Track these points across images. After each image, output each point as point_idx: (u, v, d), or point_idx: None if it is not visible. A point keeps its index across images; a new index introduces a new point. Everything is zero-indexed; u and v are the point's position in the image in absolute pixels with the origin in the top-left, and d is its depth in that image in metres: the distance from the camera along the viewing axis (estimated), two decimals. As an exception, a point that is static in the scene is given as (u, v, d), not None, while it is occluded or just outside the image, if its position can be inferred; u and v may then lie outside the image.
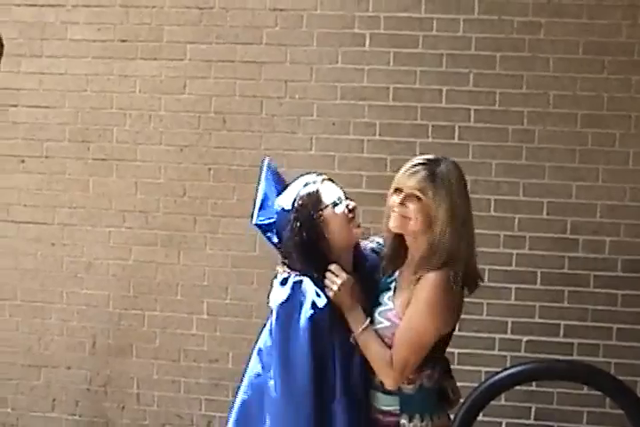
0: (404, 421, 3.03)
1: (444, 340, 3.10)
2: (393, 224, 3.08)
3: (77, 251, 5.20)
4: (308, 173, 3.33)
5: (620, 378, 4.51)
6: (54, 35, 5.20)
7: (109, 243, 5.18)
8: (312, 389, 3.03)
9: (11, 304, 5.27)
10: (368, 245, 3.35)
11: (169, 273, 5.13)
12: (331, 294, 3.08)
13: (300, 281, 3.12)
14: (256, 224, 3.35)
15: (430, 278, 2.96)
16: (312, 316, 3.05)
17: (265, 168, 3.43)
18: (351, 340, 3.08)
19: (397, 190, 3.07)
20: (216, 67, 5.08)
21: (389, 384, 3.03)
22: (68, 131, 5.21)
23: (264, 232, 3.35)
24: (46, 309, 5.24)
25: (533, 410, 4.84)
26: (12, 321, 5.28)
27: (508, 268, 4.86)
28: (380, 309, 3.12)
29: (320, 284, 3.12)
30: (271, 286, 3.24)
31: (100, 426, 5.21)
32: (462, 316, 4.71)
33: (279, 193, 3.32)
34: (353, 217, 3.17)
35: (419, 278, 3.00)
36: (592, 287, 4.82)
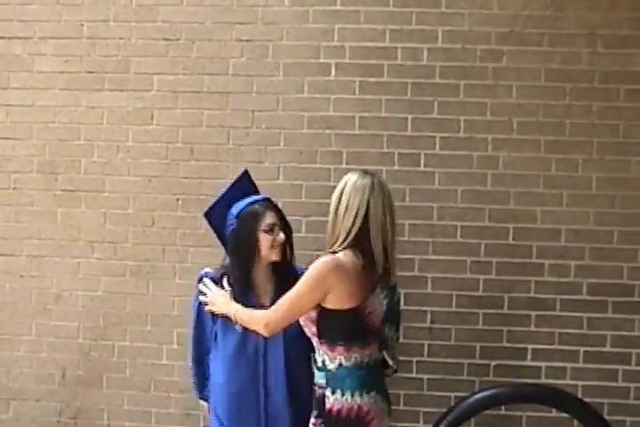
0: (327, 393, 3.74)
1: (352, 318, 3.69)
2: None
3: (46, 282, 5.19)
4: (265, 198, 4.24)
5: (588, 400, 4.55)
6: (21, 67, 5.22)
7: (78, 274, 5.17)
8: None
9: (-21, 337, 5.25)
10: None
11: (138, 303, 5.13)
12: (209, 307, 4.09)
13: (201, 278, 4.18)
14: (205, 215, 4.22)
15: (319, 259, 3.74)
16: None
17: (240, 176, 4.28)
18: (237, 327, 4.02)
19: None
20: (183, 97, 5.11)
21: (263, 331, 3.79)
22: (35, 162, 5.21)
23: (213, 228, 4.24)
24: (15, 341, 5.21)
25: (504, 434, 4.87)
26: (-19, 354, 5.25)
27: (476, 293, 4.90)
28: None
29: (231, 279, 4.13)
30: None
31: (70, 459, 5.18)
32: (430, 342, 4.75)
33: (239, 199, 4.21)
34: (275, 246, 4.13)
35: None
36: (558, 311, 4.87)
